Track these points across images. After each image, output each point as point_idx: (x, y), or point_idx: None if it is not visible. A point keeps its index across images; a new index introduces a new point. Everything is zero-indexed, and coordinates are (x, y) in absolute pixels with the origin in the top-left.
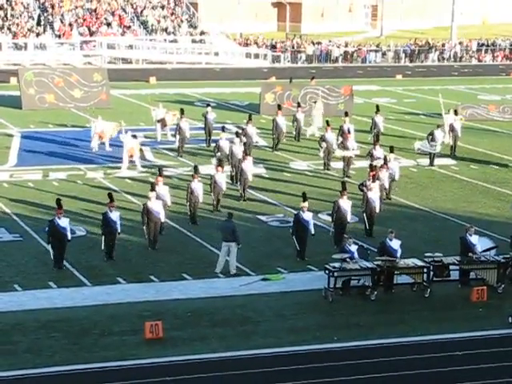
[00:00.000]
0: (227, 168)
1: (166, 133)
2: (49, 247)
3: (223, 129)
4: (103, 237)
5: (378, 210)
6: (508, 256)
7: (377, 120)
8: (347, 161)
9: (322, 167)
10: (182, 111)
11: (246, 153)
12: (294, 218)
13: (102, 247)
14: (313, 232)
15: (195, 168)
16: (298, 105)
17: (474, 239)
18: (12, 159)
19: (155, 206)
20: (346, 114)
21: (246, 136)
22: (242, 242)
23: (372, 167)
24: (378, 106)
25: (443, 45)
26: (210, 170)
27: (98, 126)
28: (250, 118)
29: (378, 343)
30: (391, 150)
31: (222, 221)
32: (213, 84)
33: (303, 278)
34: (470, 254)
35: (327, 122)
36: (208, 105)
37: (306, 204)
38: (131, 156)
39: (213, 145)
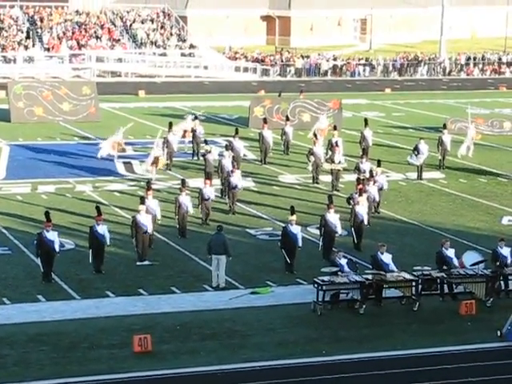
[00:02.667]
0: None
1: (184, 145)
2: (38, 260)
3: (206, 142)
4: (90, 250)
5: (366, 222)
6: (496, 269)
7: (365, 134)
8: (336, 174)
9: (311, 181)
10: (170, 125)
11: (234, 166)
12: (282, 231)
13: (90, 261)
14: (300, 244)
15: (183, 181)
16: (287, 118)
17: (450, 253)
18: (0, 172)
19: (144, 220)
20: (335, 128)
21: (232, 150)
22: (232, 255)
23: (359, 181)
24: (366, 120)
25: (434, 58)
26: (198, 183)
27: (118, 135)
28: (236, 132)
29: (367, 357)
30: (378, 163)
31: (213, 234)
32: (202, 97)
33: (292, 292)
34: (445, 267)
35: (315, 135)
36: (196, 117)
37: (293, 217)
38: (156, 164)
39: (201, 158)
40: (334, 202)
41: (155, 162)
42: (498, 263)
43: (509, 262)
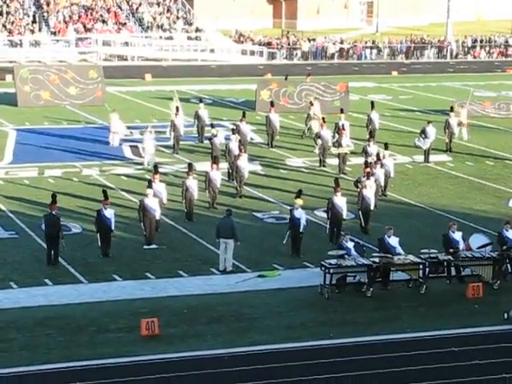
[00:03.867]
0: (223, 165)
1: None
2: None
3: (212, 125)
4: (98, 234)
5: (372, 207)
6: (503, 252)
7: (372, 117)
8: (342, 157)
9: (318, 164)
10: (177, 108)
11: (240, 150)
12: (290, 215)
13: (99, 244)
14: (301, 230)
15: (189, 165)
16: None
17: (457, 236)
18: (7, 156)
19: (152, 203)
20: (342, 111)
21: (239, 133)
22: (240, 240)
23: (367, 164)
24: (373, 103)
25: (441, 41)
26: (205, 166)
27: (113, 121)
28: (243, 116)
29: (374, 340)
30: (386, 146)
31: (221, 218)
32: (208, 81)
33: (299, 275)
34: (451, 250)
35: (323, 118)
36: (201, 100)
37: (297, 201)
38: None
39: (206, 141)
40: (340, 185)
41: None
42: (504, 246)
43: None
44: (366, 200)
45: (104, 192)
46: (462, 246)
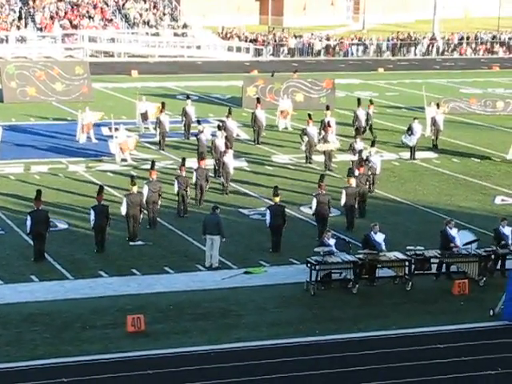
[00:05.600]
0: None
1: (147, 126)
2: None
3: (199, 122)
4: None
5: (356, 203)
6: (489, 249)
7: (358, 113)
8: (328, 154)
9: (304, 161)
10: (163, 105)
11: (227, 146)
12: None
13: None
14: (266, 225)
15: (183, 160)
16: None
17: (454, 232)
18: None
19: (136, 199)
20: (328, 108)
21: (225, 130)
22: (226, 236)
23: (360, 163)
24: (359, 100)
25: (424, 37)
26: (191, 163)
27: (85, 118)
28: (229, 112)
29: (360, 336)
30: (372, 143)
31: (207, 214)
32: (195, 77)
33: (285, 272)
34: (452, 245)
35: (309, 115)
36: (188, 97)
37: (276, 199)
38: (121, 149)
39: (192, 138)
40: (325, 181)
41: (122, 148)
42: (501, 242)
43: (510, 241)
44: (346, 197)
45: (100, 188)
46: (458, 242)
